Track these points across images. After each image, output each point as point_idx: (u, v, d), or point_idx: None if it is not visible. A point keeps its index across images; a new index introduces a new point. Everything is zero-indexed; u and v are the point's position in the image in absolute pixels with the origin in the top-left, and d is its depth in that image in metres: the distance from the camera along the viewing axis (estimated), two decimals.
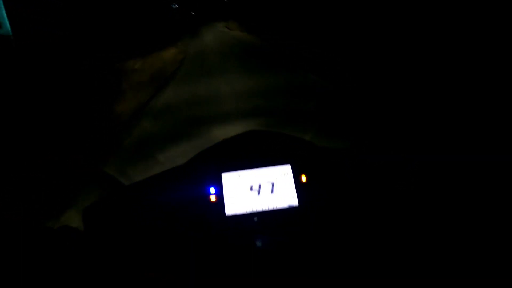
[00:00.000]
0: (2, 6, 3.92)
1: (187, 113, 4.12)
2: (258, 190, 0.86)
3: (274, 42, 6.21)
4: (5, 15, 3.91)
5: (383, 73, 3.82)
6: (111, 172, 2.62)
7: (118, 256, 0.76)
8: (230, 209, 0.84)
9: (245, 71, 5.11)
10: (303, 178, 0.85)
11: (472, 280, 0.61)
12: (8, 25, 3.97)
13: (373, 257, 0.70)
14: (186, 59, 6.88)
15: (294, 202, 0.84)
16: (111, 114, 4.56)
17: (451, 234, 0.72)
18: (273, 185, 0.86)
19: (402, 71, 3.52)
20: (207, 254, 0.76)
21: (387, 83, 3.46)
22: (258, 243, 0.79)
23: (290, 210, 0.83)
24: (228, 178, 0.86)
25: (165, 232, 0.81)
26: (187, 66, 6.42)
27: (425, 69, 3.38)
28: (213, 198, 0.84)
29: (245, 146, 0.95)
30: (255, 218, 0.82)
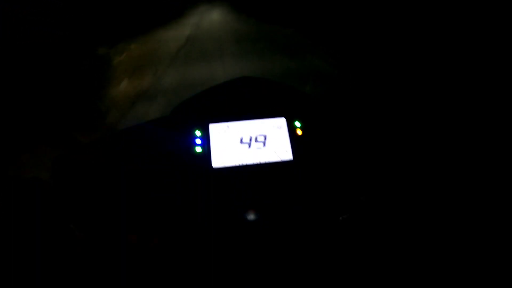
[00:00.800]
0: None
1: (182, 97, 3.99)
2: (249, 142, 0.78)
3: (273, 28, 6.07)
4: None
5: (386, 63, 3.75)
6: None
7: (94, 214, 0.67)
8: (217, 161, 0.75)
9: (242, 57, 4.98)
10: (299, 132, 0.77)
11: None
12: None
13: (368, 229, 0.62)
14: (185, 42, 6.71)
15: (288, 156, 0.75)
16: (104, 99, 4.43)
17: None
18: (265, 138, 0.78)
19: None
20: (191, 215, 0.67)
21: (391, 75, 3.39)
22: (250, 216, 0.71)
23: (283, 164, 0.75)
24: (216, 129, 0.78)
25: (147, 185, 0.72)
26: (186, 49, 6.25)
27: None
28: (198, 149, 0.76)
29: (236, 95, 0.87)
30: (256, 168, 0.73)
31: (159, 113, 3.77)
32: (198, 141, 0.75)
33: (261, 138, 0.78)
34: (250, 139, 0.78)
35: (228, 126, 0.78)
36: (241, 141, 0.78)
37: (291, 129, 0.77)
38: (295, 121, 0.78)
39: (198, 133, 0.76)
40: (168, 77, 4.85)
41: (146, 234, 0.69)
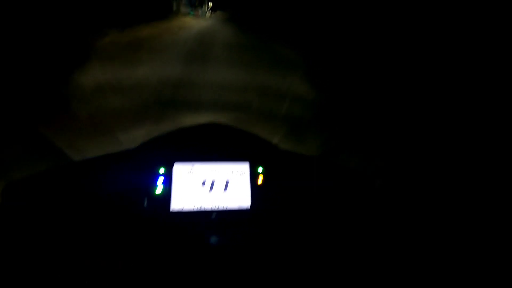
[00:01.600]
0: None
1: (159, 93, 3.86)
2: (211, 186, 0.77)
3: (263, 43, 6.11)
4: None
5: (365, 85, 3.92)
6: (59, 144, 2.33)
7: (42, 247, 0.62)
8: (177, 204, 0.74)
9: (227, 64, 4.94)
10: (260, 180, 0.78)
11: None
12: None
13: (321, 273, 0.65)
14: (174, 40, 6.51)
15: (247, 204, 0.76)
16: (70, 84, 4.12)
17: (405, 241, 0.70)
18: (227, 182, 0.78)
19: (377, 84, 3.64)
20: (143, 255, 0.65)
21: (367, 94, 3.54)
22: (213, 240, 0.70)
23: (240, 212, 0.75)
24: (180, 169, 0.76)
25: (101, 223, 0.68)
26: (172, 47, 6.08)
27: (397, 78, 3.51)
28: (159, 190, 0.74)
29: (203, 139, 0.86)
30: (214, 214, 0.73)
31: (131, 107, 3.59)
32: (160, 179, 0.73)
33: (223, 183, 0.77)
34: (212, 183, 0.77)
35: (192, 167, 0.77)
36: (203, 184, 0.77)
37: (253, 176, 0.78)
38: (258, 167, 0.79)
39: (162, 170, 0.74)
40: (148, 71, 4.66)
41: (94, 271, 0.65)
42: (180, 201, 0.74)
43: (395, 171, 2.29)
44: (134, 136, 2.84)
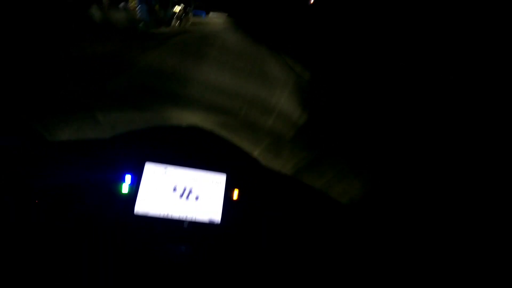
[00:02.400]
0: None
1: (149, 82, 3.74)
2: (182, 193, 0.72)
3: (260, 53, 6.18)
4: None
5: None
6: (34, 123, 2.15)
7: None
8: (142, 206, 0.68)
9: (226, 67, 4.93)
10: (235, 194, 0.75)
11: None
12: None
13: None
14: (172, 32, 6.43)
15: (217, 218, 0.72)
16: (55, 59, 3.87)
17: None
18: (200, 191, 0.73)
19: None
20: (97, 255, 0.59)
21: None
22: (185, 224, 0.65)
23: (210, 226, 0.71)
24: (151, 170, 0.71)
25: (59, 220, 0.61)
26: (169, 38, 5.98)
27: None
28: (125, 188, 0.68)
29: (183, 141, 0.81)
30: (185, 223, 0.68)
31: (116, 90, 3.41)
32: (127, 178, 0.67)
33: (195, 191, 0.73)
34: (184, 190, 0.72)
35: (166, 169, 0.72)
36: (174, 189, 0.72)
37: (228, 189, 0.74)
38: (235, 181, 0.75)
39: (131, 168, 0.68)
40: (144, 56, 4.51)
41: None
42: (147, 204, 0.68)
43: (365, 193, 2.36)
44: (114, 120, 2.70)
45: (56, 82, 3.22)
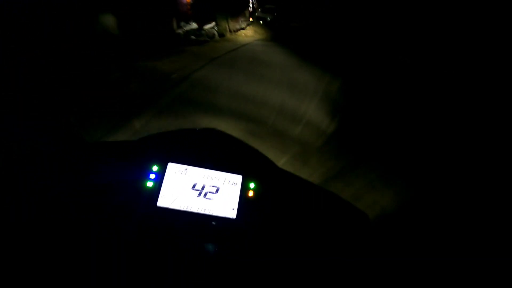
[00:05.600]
0: None
1: (183, 90, 3.97)
2: (201, 190, 0.74)
3: (291, 62, 6.23)
4: None
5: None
6: (75, 122, 2.41)
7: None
8: (164, 200, 0.72)
9: (255, 77, 5.04)
10: (250, 193, 0.75)
11: None
12: None
13: None
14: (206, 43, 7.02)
15: (232, 214, 0.73)
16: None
17: None
18: (217, 190, 0.75)
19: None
20: (128, 250, 0.63)
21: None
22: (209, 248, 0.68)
23: (224, 221, 0.72)
24: (173, 169, 0.75)
25: (89, 213, 0.67)
26: (203, 48, 6.46)
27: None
28: (149, 184, 0.72)
29: (203, 142, 0.84)
30: (214, 223, 0.70)
31: (152, 95, 3.63)
32: (152, 175, 0.72)
33: (213, 189, 0.74)
34: (203, 187, 0.74)
35: (186, 169, 0.75)
36: (193, 187, 0.74)
37: (244, 189, 0.75)
38: (250, 182, 0.76)
39: (155, 168, 0.72)
40: (187, 69, 4.85)
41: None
42: (168, 199, 0.72)
43: (396, 204, 2.18)
44: (150, 125, 2.90)
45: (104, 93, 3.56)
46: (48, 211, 0.62)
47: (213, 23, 7.84)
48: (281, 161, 2.57)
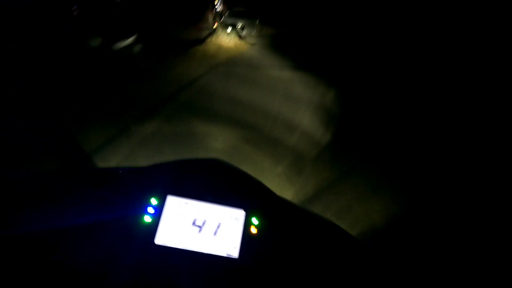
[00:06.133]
0: None
1: (180, 95, 3.89)
2: (201, 227, 0.70)
3: (289, 69, 6.22)
4: None
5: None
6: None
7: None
8: (162, 238, 0.67)
9: (251, 84, 5.00)
10: (253, 230, 0.71)
11: None
12: None
13: None
14: (205, 49, 6.79)
15: (235, 253, 0.68)
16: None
17: None
18: (219, 226, 0.70)
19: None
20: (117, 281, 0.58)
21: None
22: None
23: (227, 260, 0.67)
24: (173, 203, 0.70)
25: (82, 249, 0.62)
26: (202, 54, 6.29)
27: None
28: (147, 218, 0.67)
29: (204, 174, 0.79)
30: (198, 256, 0.66)
31: (149, 97, 3.54)
32: (150, 210, 0.66)
33: (214, 226, 0.70)
34: (203, 223, 0.70)
35: (186, 203, 0.70)
36: (194, 223, 0.70)
37: (247, 225, 0.71)
38: (253, 217, 0.72)
39: (153, 201, 0.67)
40: (171, 71, 4.74)
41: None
42: (167, 235, 0.67)
43: (387, 215, 2.21)
44: (145, 130, 2.82)
45: (93, 94, 3.44)
46: (35, 248, 0.57)
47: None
48: (278, 170, 2.54)
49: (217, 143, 2.86)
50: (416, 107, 4.78)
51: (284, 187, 2.43)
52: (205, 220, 0.69)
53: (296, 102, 4.19)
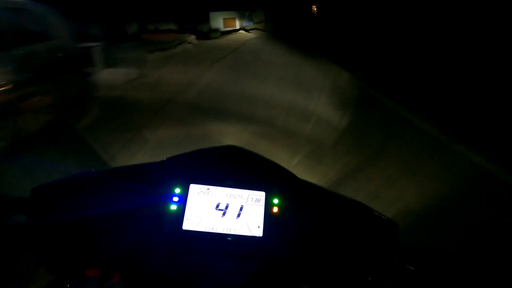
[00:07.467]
0: None
1: (190, 97, 3.96)
2: (224, 210, 0.73)
3: (297, 60, 6.11)
4: None
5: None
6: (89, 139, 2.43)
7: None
8: (189, 224, 0.70)
9: (259, 77, 4.96)
10: (275, 209, 0.72)
11: None
12: None
13: None
14: (209, 46, 6.90)
15: (259, 232, 0.70)
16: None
17: None
18: (241, 209, 0.73)
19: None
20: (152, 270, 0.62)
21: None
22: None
23: (251, 239, 0.70)
24: (195, 190, 0.73)
25: (115, 234, 0.67)
26: (206, 53, 6.38)
27: None
28: (173, 207, 0.71)
29: (223, 161, 0.82)
30: (225, 237, 0.69)
31: (157, 102, 3.58)
32: (175, 198, 0.70)
33: (236, 209, 0.72)
34: (226, 207, 0.72)
35: (208, 189, 0.74)
36: (217, 207, 0.73)
37: (269, 205, 0.72)
38: (274, 198, 0.73)
39: (177, 190, 0.71)
40: (177, 73, 4.83)
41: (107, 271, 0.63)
42: (193, 221, 0.71)
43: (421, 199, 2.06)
44: (160, 136, 2.90)
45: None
46: (72, 237, 0.63)
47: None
48: (294, 161, 2.52)
49: (231, 141, 2.88)
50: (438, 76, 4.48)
51: (304, 177, 2.40)
52: (227, 204, 0.72)
53: (308, 89, 4.10)
